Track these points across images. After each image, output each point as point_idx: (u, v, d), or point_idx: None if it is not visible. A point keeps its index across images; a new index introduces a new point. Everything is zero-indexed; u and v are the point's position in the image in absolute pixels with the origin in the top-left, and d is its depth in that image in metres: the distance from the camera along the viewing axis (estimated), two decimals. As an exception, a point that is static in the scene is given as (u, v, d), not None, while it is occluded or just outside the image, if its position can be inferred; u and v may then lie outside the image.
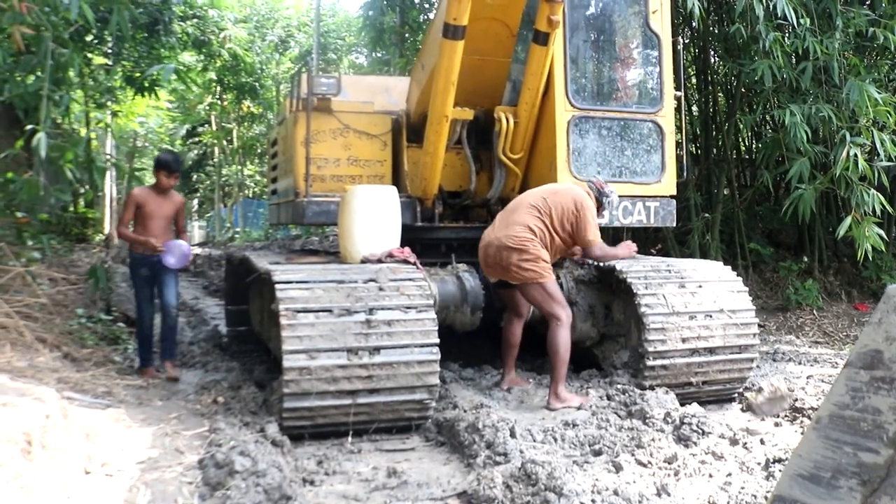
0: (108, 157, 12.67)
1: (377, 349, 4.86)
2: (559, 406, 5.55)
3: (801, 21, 8.65)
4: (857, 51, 9.63)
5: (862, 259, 9.19)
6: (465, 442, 4.70)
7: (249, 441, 4.28)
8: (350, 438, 4.97)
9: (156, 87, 11.19)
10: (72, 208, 13.46)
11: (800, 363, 7.83)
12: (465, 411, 5.26)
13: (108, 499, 3.58)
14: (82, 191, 13.27)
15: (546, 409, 5.58)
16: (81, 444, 4.01)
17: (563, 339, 5.62)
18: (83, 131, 12.23)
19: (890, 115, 8.62)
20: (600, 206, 6.09)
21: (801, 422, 5.53)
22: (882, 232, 8.61)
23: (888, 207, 8.94)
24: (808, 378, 6.94)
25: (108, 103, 13.32)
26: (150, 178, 31.80)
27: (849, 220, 8.49)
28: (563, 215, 5.78)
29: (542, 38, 6.18)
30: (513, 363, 6.19)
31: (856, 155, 8.40)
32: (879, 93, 8.55)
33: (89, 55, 9.91)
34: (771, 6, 8.47)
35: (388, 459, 4.71)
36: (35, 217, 7.79)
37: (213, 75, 17.92)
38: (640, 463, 4.47)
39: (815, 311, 10.63)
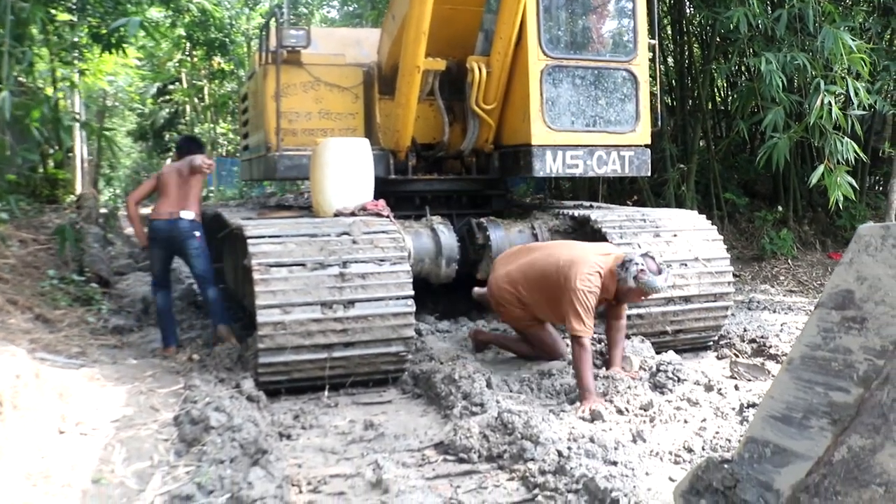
0: (77, 115, 12.41)
1: (352, 302, 4.83)
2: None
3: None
4: (832, -2, 9.58)
5: (836, 208, 9.23)
6: (441, 393, 4.71)
7: (225, 397, 4.25)
8: (326, 392, 4.97)
9: (123, 44, 10.92)
10: (41, 169, 13.22)
11: (774, 311, 7.90)
12: (441, 363, 5.27)
13: (83, 457, 3.55)
14: (52, 151, 13.03)
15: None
16: (55, 404, 3.96)
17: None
18: (49, 90, 11.95)
19: (864, 63, 8.59)
20: (638, 296, 5.05)
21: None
22: (853, 181, 8.64)
23: (861, 155, 8.96)
24: (782, 325, 7.00)
25: (75, 61, 13.01)
26: (121, 139, 31.24)
27: (821, 168, 8.50)
28: (547, 289, 5.13)
29: (515, -14, 6.08)
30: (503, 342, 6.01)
31: (830, 103, 8.38)
32: (854, 40, 8.50)
33: (52, 10, 9.62)
34: (746, -47, 8.38)
35: (364, 412, 4.72)
36: (2, 177, 7.63)
37: (181, 31, 17.53)
38: (616, 410, 4.50)
39: (789, 261, 10.71)
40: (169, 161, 6.65)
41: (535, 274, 5.24)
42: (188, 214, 5.98)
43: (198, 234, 6.05)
